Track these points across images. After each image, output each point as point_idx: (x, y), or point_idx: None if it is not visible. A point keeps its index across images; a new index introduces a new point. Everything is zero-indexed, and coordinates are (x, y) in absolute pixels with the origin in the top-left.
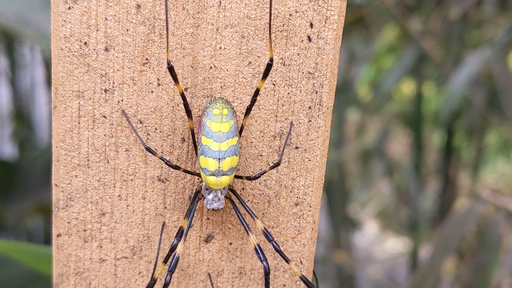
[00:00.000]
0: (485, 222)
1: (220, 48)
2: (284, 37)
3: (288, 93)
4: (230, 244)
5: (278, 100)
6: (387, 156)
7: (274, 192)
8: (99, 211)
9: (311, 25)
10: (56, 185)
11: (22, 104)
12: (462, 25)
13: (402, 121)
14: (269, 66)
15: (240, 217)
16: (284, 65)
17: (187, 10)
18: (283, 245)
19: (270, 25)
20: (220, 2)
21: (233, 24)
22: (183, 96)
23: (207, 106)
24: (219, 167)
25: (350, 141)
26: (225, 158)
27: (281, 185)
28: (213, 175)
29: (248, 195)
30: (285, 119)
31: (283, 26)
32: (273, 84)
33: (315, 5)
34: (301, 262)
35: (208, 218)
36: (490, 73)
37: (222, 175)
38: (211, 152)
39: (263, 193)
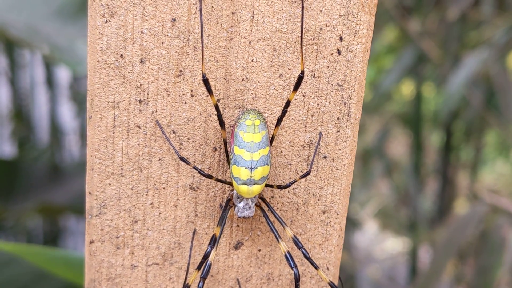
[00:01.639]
0: (487, 224)
1: (252, 60)
2: (314, 50)
3: (318, 104)
4: (259, 250)
5: (307, 111)
6: (387, 156)
7: (302, 200)
8: (132, 218)
9: (341, 38)
10: (90, 193)
11: (21, 103)
12: (461, 25)
13: (402, 121)
14: (300, 79)
15: (270, 224)
16: (314, 77)
17: (221, 24)
18: (310, 252)
19: (301, 38)
20: (253, 17)
21: (265, 38)
22: (216, 107)
23: (240, 117)
24: (251, 176)
25: None
26: (257, 168)
27: (309, 193)
28: (245, 184)
29: (277, 203)
30: (314, 129)
31: (313, 39)
32: (303, 96)
33: (345, 19)
34: (327, 268)
35: (238, 226)
36: (488, 73)
37: (254, 184)
38: (243, 161)
39: (291, 201)
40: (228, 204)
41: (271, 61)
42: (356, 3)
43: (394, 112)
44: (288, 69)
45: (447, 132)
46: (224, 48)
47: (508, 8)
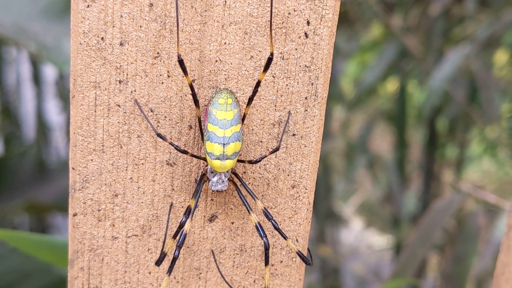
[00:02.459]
0: (464, 213)
1: (225, 43)
2: (283, 34)
3: (287, 85)
4: (232, 223)
5: (277, 91)
6: (370, 153)
7: (273, 176)
8: (112, 192)
9: (308, 22)
10: (73, 168)
11: (8, 100)
12: (444, 21)
13: (386, 118)
14: (269, 60)
15: (242, 198)
16: (283, 59)
17: (195, 9)
18: (280, 224)
19: (271, 22)
20: (226, 1)
21: (237, 22)
22: (191, 87)
23: (213, 96)
24: (223, 152)
25: (335, 137)
26: (229, 144)
27: (279, 169)
28: (218, 159)
29: (249, 178)
30: (284, 108)
31: (282, 23)
32: (273, 77)
33: (312, 4)
34: (297, 240)
35: (212, 200)
36: (470, 69)
37: (226, 159)
38: (216, 138)
39: (262, 176)
40: (203, 179)
41: (243, 44)
42: None
43: (378, 108)
44: (259, 51)
45: (431, 128)
46: (199, 31)
47: (490, 4)
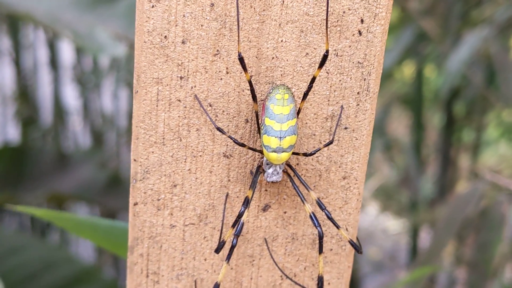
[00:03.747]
0: (487, 201)
1: (281, 41)
2: (337, 32)
3: (340, 80)
4: (285, 212)
5: (330, 86)
6: (387, 137)
7: (325, 167)
8: (171, 183)
9: (362, 21)
10: (135, 160)
11: (25, 84)
12: (462, 3)
13: (403, 102)
14: (324, 57)
15: (296, 188)
16: (337, 56)
17: (254, 8)
18: (331, 214)
19: (326, 21)
20: (283, 1)
21: (293, 20)
22: (250, 83)
23: (270, 91)
24: (280, 145)
25: None
26: (285, 137)
27: (331, 161)
28: (275, 152)
29: (302, 170)
30: (336, 103)
31: (337, 22)
32: (327, 73)
33: (366, 3)
34: (347, 229)
35: (266, 190)
36: (489, 52)
37: (282, 152)
38: (273, 131)
39: (315, 168)
40: (258, 170)
41: (299, 41)
42: None
43: (394, 92)
44: (314, 48)
45: (448, 112)
46: (257, 30)
47: None
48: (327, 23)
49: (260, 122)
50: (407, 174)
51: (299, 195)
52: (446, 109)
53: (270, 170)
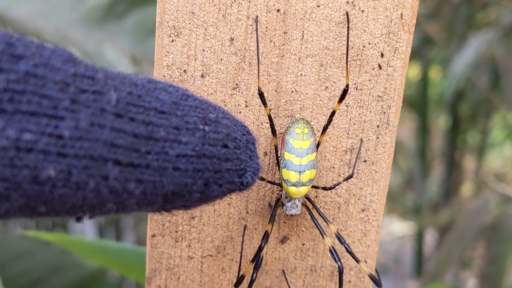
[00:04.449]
0: (498, 213)
1: (301, 74)
2: (357, 66)
3: (359, 114)
4: (303, 244)
5: (350, 119)
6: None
7: (343, 200)
8: (189, 215)
9: (382, 55)
10: None
11: None
12: (467, 6)
13: (408, 104)
14: (345, 92)
15: (315, 221)
16: (356, 89)
17: (274, 43)
18: (350, 246)
19: (347, 55)
20: (303, 36)
21: (313, 54)
22: (270, 118)
23: (290, 125)
24: (299, 179)
25: None
26: (305, 171)
27: (350, 193)
28: (294, 186)
29: (321, 202)
30: (356, 136)
31: (357, 56)
32: (347, 106)
33: (386, 38)
34: (365, 261)
35: (284, 222)
36: (493, 55)
37: (302, 186)
38: (293, 166)
39: (333, 200)
40: (277, 203)
41: (318, 75)
42: (397, 23)
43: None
44: (334, 82)
45: (453, 115)
46: (276, 64)
47: None
48: (347, 58)
49: (279, 155)
50: (411, 177)
51: (318, 228)
52: (451, 111)
53: (289, 204)
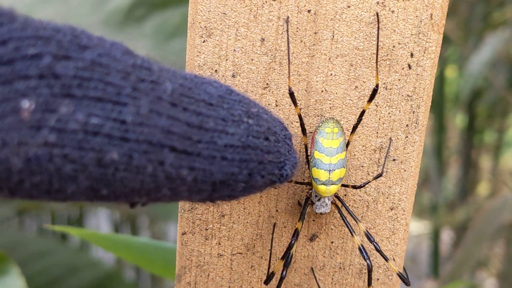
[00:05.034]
0: None
1: (331, 74)
2: (387, 65)
3: (389, 113)
4: (332, 242)
5: (379, 119)
6: None
7: (372, 198)
8: (220, 213)
9: (412, 55)
10: None
11: None
12: (483, 5)
13: None
14: (374, 91)
15: (344, 219)
16: (386, 89)
17: (304, 43)
18: (378, 244)
19: (377, 55)
20: (333, 36)
21: (343, 54)
22: (300, 117)
23: (320, 125)
24: (329, 178)
25: None
26: (334, 170)
27: (379, 192)
28: (324, 184)
29: (350, 201)
30: (385, 135)
31: (387, 56)
32: (376, 105)
33: (416, 38)
34: (394, 259)
35: (313, 220)
36: (510, 53)
37: (331, 184)
38: (322, 164)
39: (362, 199)
40: (307, 202)
41: (348, 75)
42: (427, 23)
43: None
44: (363, 82)
45: (470, 113)
46: (307, 64)
47: None
48: (377, 58)
49: (309, 154)
50: (427, 176)
51: (347, 227)
52: (468, 110)
53: (319, 202)
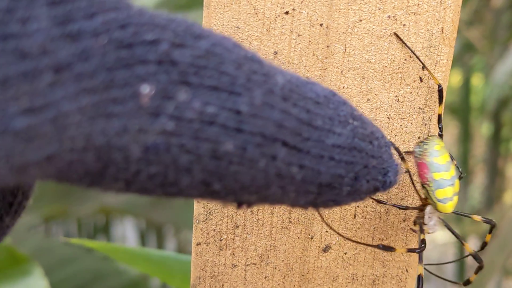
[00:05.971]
0: None
1: (343, 87)
2: (399, 78)
3: (401, 125)
4: (345, 253)
5: (391, 131)
6: None
7: (384, 210)
8: (234, 224)
9: (423, 68)
10: (198, 201)
11: None
12: (510, 13)
13: (450, 111)
14: (440, 92)
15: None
16: (398, 101)
17: (317, 56)
18: (391, 255)
19: (422, 63)
20: (345, 49)
21: (355, 68)
22: (396, 148)
23: (425, 147)
24: (454, 191)
25: None
26: (455, 180)
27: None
28: (451, 200)
29: (362, 212)
30: (398, 146)
31: (398, 69)
32: (388, 118)
33: (427, 51)
34: (407, 270)
35: (326, 231)
36: None
37: (455, 196)
38: (446, 182)
39: (375, 210)
40: (421, 227)
41: (360, 88)
42: (438, 37)
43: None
44: (375, 94)
45: (496, 122)
46: (319, 77)
47: None
48: (423, 64)
49: (421, 181)
50: None
51: (457, 238)
52: (494, 118)
53: (432, 222)
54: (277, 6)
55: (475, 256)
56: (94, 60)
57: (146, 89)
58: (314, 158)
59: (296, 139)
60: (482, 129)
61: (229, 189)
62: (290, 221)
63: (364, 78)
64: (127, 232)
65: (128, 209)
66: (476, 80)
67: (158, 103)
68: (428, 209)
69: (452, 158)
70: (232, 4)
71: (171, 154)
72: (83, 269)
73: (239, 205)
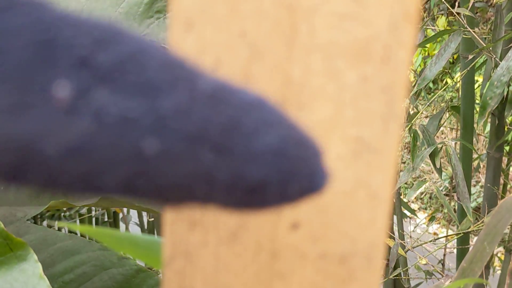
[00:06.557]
0: None
1: (309, 67)
2: (364, 58)
3: (366, 105)
4: (314, 230)
5: (357, 111)
6: (437, 144)
7: (351, 188)
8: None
9: (387, 47)
10: None
11: None
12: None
13: (453, 109)
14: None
15: None
16: (363, 81)
17: (283, 37)
18: (360, 233)
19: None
20: (310, 29)
21: (320, 48)
22: None
23: None
24: None
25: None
26: None
27: (358, 182)
28: None
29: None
30: (363, 126)
31: (363, 48)
32: (353, 98)
33: (391, 30)
34: (376, 247)
35: (295, 209)
36: None
37: None
38: None
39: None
40: None
41: (326, 68)
42: (401, 16)
43: (444, 98)
44: (340, 74)
45: (499, 120)
46: (286, 58)
47: None
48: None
49: None
50: (456, 182)
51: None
52: (497, 116)
53: None
54: None
55: None
56: (10, 61)
57: (65, 91)
58: (241, 160)
59: (223, 141)
60: (485, 127)
61: (152, 190)
62: None
63: (329, 58)
64: (130, 227)
65: (129, 201)
66: (479, 78)
67: (78, 104)
68: None
69: None
70: None
71: (91, 155)
72: (87, 259)
73: (164, 205)
